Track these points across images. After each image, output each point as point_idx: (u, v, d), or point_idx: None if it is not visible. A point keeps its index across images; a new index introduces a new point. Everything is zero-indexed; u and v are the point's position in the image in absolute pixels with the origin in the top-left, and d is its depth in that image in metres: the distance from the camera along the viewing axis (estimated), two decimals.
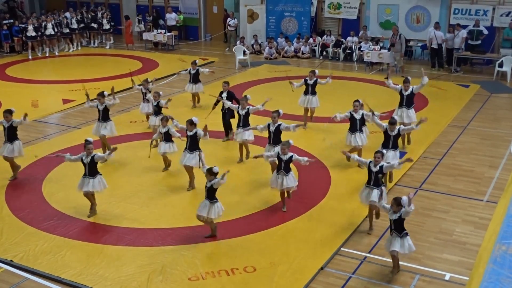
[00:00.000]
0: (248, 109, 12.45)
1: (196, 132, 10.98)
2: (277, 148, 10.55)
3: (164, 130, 11.69)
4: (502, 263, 8.60)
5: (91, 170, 10.08)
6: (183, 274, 8.45)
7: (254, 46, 25.59)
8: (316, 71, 14.73)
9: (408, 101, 13.19)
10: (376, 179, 9.38)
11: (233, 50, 23.73)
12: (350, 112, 12.10)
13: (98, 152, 10.40)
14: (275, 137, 11.29)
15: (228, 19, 26.44)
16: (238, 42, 24.47)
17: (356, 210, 10.14)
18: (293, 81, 14.92)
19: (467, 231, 9.73)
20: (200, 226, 9.75)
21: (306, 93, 14.62)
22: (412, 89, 13.19)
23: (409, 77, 13.62)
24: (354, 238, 9.45)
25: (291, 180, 10.13)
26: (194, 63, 16.82)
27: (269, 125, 11.40)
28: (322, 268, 8.56)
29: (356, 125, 12.06)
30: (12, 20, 25.09)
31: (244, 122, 12.37)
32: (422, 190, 11.29)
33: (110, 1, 30.56)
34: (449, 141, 13.95)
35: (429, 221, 10.09)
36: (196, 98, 16.87)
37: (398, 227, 8.21)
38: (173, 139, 11.82)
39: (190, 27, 28.86)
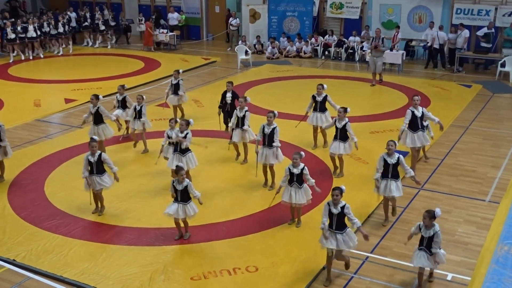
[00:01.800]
0: (245, 110, 12.21)
1: (187, 134, 10.87)
2: (270, 151, 11.01)
3: (172, 134, 11.17)
4: (504, 263, 8.60)
5: (99, 168, 10.02)
6: (185, 273, 8.46)
7: (256, 45, 25.60)
8: (325, 85, 13.24)
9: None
10: (394, 170, 9.62)
11: (235, 49, 23.74)
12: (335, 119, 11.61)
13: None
14: (269, 139, 11.04)
15: (230, 19, 26.45)
16: (240, 42, 24.48)
17: (358, 209, 10.12)
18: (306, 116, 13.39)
19: (469, 231, 9.72)
20: (201, 226, 9.77)
21: (315, 110, 13.16)
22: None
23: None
24: (357, 238, 9.43)
25: (302, 196, 9.59)
26: (177, 72, 15.28)
27: (264, 127, 11.15)
28: (324, 268, 8.56)
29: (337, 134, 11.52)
30: (13, 20, 24.91)
31: (242, 123, 12.23)
32: (424, 190, 11.29)
33: (112, 1, 30.57)
34: (451, 141, 13.94)
35: None
36: (179, 110, 15.48)
37: (430, 245, 7.81)
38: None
39: (192, 26, 28.88)
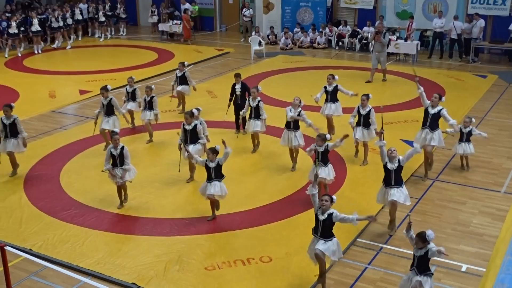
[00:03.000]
0: (258, 101, 12.38)
1: (195, 126, 10.80)
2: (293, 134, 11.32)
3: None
4: None
5: (122, 161, 9.99)
6: (199, 263, 8.50)
7: (270, 36, 25.53)
8: (336, 76, 13.35)
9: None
10: (397, 176, 9.04)
11: (249, 40, 23.69)
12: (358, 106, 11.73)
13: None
14: (295, 123, 11.42)
15: (244, 10, 26.38)
16: (253, 33, 24.42)
17: (373, 200, 10.08)
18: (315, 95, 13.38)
19: (484, 223, 9.67)
20: (216, 216, 9.81)
21: (326, 100, 13.33)
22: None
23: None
24: (370, 228, 9.43)
25: (327, 172, 10.00)
26: (182, 64, 15.15)
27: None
28: (338, 259, 8.56)
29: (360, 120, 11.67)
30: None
31: (255, 113, 12.36)
32: (439, 181, 11.23)
33: None
34: None
35: (446, 212, 10.04)
36: (183, 100, 15.36)
37: (421, 265, 7.04)
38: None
39: (206, 17, 28.84)
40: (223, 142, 9.44)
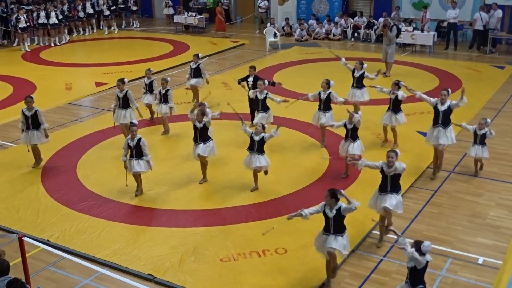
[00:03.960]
0: (266, 93, 12.38)
1: (204, 124, 10.60)
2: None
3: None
4: None
5: (138, 152, 10.13)
6: (215, 255, 8.54)
7: (285, 28, 25.44)
8: (365, 64, 13.60)
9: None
10: (394, 182, 8.54)
11: (264, 32, 23.64)
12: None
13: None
14: (325, 104, 12.07)
15: (259, 1, 26.29)
16: (268, 24, 24.36)
17: None
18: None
19: (501, 215, 9.60)
20: (231, 208, 9.85)
21: (352, 86, 13.68)
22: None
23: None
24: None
25: (356, 148, 10.60)
26: (196, 56, 15.13)
27: (320, 93, 12.08)
28: (353, 251, 8.56)
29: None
30: (30, 7, 24.84)
31: (263, 106, 12.41)
32: (455, 173, 11.16)
33: None
34: None
35: (462, 204, 9.98)
36: (196, 93, 15.23)
37: (414, 278, 6.65)
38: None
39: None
40: (278, 126, 10.31)
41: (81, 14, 25.80)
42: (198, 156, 10.69)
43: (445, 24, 22.83)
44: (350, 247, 8.05)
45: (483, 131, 10.86)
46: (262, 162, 10.28)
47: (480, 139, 10.88)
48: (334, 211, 7.46)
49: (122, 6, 27.47)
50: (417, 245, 6.55)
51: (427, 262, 6.57)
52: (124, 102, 12.53)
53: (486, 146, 10.95)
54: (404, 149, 11.99)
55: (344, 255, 7.87)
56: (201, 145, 10.62)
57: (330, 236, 7.56)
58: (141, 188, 10.49)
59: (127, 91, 12.51)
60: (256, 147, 10.23)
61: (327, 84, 12.09)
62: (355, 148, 10.57)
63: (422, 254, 6.51)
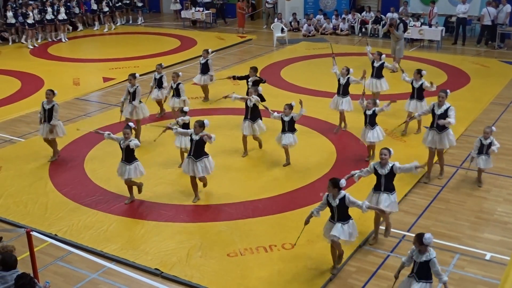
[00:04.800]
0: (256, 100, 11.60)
1: (201, 138, 9.69)
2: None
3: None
4: None
5: (128, 156, 9.78)
6: (222, 250, 8.56)
7: (292, 23, 25.39)
8: (384, 55, 13.98)
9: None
10: (388, 182, 8.38)
11: (271, 27, 23.60)
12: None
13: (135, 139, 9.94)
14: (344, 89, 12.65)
15: None
16: (276, 20, 24.32)
17: (396, 188, 10.04)
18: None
19: (509, 211, 9.56)
20: (238, 203, 9.85)
21: (371, 75, 13.89)
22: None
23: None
24: (393, 216, 9.36)
25: (376, 135, 11.00)
26: (206, 51, 15.07)
27: (339, 79, 12.64)
28: (360, 246, 8.56)
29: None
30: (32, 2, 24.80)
31: (252, 115, 11.52)
32: (463, 169, 11.11)
33: None
34: (491, 119, 13.65)
35: (470, 200, 9.95)
36: (204, 89, 15.34)
37: (422, 272, 6.64)
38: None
39: (228, 4, 28.77)
40: (300, 102, 10.98)
41: (94, 7, 25.84)
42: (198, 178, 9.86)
43: (453, 19, 22.73)
44: (360, 240, 8.05)
45: (488, 141, 10.27)
46: (290, 140, 10.97)
47: (486, 149, 10.33)
48: (337, 201, 7.57)
49: (128, 2, 27.47)
50: (419, 237, 6.53)
51: (431, 259, 6.53)
52: (134, 97, 12.55)
53: (491, 156, 10.44)
54: (411, 145, 12.01)
55: (351, 242, 7.90)
56: (199, 165, 9.68)
57: (336, 224, 7.67)
58: (133, 196, 10.07)
59: (137, 86, 12.51)
60: (287, 127, 10.91)
61: (347, 71, 12.77)
62: (374, 136, 10.97)
63: (424, 246, 6.50)
